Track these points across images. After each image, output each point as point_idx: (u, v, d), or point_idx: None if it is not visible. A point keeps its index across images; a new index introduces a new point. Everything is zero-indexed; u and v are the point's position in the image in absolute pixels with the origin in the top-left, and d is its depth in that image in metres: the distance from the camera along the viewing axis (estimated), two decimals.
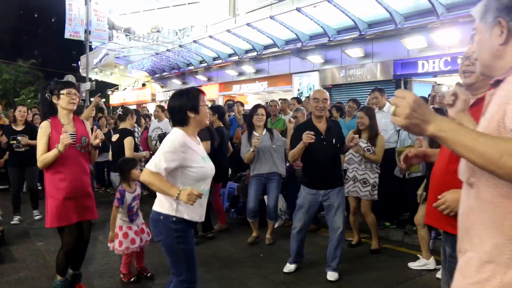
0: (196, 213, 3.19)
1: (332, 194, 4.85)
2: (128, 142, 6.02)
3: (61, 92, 4.07)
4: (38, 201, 7.78)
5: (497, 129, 1.41)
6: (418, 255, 5.43)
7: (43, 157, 3.95)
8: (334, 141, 4.81)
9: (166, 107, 11.34)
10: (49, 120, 4.08)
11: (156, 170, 3.01)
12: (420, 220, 5.06)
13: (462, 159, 1.55)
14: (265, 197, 6.50)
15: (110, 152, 6.41)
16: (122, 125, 6.32)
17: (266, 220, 6.37)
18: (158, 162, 3.02)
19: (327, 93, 5.06)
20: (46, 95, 4.11)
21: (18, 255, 5.81)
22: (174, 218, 3.10)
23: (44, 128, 4.02)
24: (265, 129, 6.18)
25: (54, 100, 4.10)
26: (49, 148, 3.98)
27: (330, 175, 4.84)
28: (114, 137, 6.27)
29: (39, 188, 7.97)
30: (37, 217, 7.70)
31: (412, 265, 5.33)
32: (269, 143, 6.06)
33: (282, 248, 6.06)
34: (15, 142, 7.38)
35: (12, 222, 7.41)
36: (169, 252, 3.17)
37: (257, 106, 6.30)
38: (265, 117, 6.18)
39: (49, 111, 4.13)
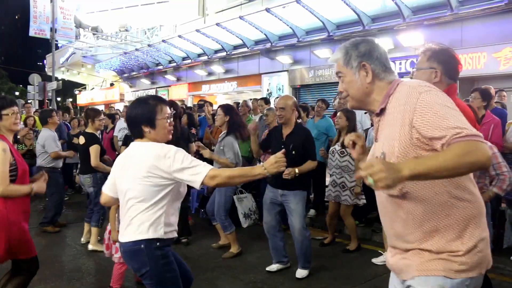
0: (175, 226, 2.86)
1: (289, 195, 4.91)
2: (94, 150, 5.89)
3: (3, 112, 3.43)
4: None
5: (410, 143, 1.77)
6: (380, 251, 5.59)
7: (14, 188, 3.33)
8: (291, 147, 4.80)
9: None
10: (3, 140, 3.42)
11: (209, 168, 2.64)
12: None
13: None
14: (234, 197, 6.50)
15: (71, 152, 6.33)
16: (87, 129, 6.22)
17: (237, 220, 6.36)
18: (199, 163, 2.65)
19: (289, 100, 5.02)
20: None
21: None
22: (157, 243, 2.70)
23: (7, 152, 3.34)
24: (224, 133, 5.85)
25: None
26: (14, 176, 3.39)
27: (284, 177, 4.73)
28: (80, 140, 6.12)
29: None
30: None
31: (376, 260, 5.47)
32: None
33: (252, 249, 6.09)
34: None
35: None
36: (157, 284, 2.74)
37: (218, 106, 6.21)
38: (220, 116, 5.81)
39: None
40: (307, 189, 5.31)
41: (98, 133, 6.54)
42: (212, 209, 5.98)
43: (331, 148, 6.10)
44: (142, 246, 2.66)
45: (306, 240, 5.01)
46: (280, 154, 2.67)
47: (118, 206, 4.29)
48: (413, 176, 1.60)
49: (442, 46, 2.71)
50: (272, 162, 2.65)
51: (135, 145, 2.81)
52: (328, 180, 6.03)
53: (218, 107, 5.99)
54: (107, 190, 2.97)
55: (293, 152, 4.76)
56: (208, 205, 6.18)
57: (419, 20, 10.45)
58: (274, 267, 5.22)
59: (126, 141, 7.56)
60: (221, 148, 5.63)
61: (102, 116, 6.41)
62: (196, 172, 2.60)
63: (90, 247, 6.00)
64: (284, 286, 4.85)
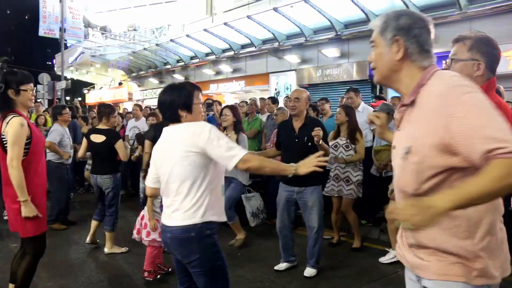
0: (223, 210, 2.85)
1: (306, 192, 4.89)
2: (121, 146, 5.73)
3: (22, 87, 3.55)
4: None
5: (438, 148, 1.62)
6: (387, 250, 5.59)
7: (21, 179, 3.39)
8: (305, 139, 4.79)
9: (143, 106, 11.30)
10: (20, 115, 3.52)
11: (246, 151, 2.63)
12: None
13: (403, 170, 1.78)
14: (242, 196, 6.52)
15: (82, 151, 6.06)
16: (101, 126, 5.92)
17: (246, 219, 6.39)
18: (235, 145, 2.66)
19: (304, 93, 5.01)
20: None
21: None
22: (207, 230, 2.66)
23: (25, 126, 3.46)
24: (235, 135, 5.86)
25: (11, 94, 3.52)
26: (28, 152, 3.51)
27: None
28: (99, 138, 5.80)
29: None
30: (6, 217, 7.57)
31: (383, 259, 5.47)
32: None
33: (261, 247, 6.10)
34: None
35: None
36: (207, 273, 2.67)
37: (224, 107, 6.22)
38: (230, 117, 5.87)
39: (3, 106, 3.56)
40: (322, 182, 5.27)
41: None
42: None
43: (334, 141, 6.05)
44: (193, 233, 2.63)
45: (321, 239, 5.02)
46: (318, 154, 2.71)
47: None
48: (453, 209, 1.52)
49: (481, 35, 2.48)
50: (306, 164, 2.69)
51: (172, 128, 2.81)
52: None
53: (225, 108, 5.98)
54: (152, 183, 2.93)
55: (309, 143, 4.72)
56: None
57: (413, 11, 10.40)
58: (282, 266, 5.22)
59: (138, 140, 7.57)
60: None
61: (116, 113, 6.30)
62: (233, 153, 2.59)
63: (106, 250, 5.83)
64: (291, 285, 4.85)
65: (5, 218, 7.50)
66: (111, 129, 5.96)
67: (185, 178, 2.64)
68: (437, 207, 1.50)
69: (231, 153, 2.58)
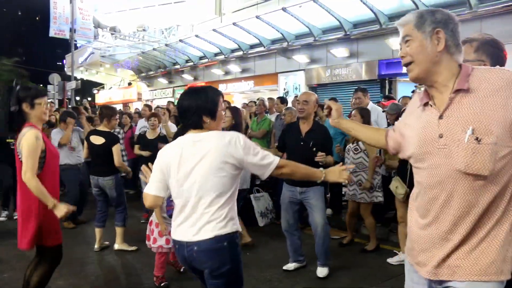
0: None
1: (309, 192, 4.91)
2: (117, 150, 5.79)
3: (36, 101, 3.58)
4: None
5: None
6: (395, 251, 5.58)
7: (40, 188, 3.40)
8: (311, 144, 4.84)
9: (152, 107, 11.34)
10: (35, 128, 3.56)
11: (278, 157, 2.62)
12: (404, 217, 5.22)
13: (475, 152, 1.75)
14: (251, 196, 6.53)
15: (85, 152, 6.16)
16: (101, 128, 6.01)
17: (255, 219, 6.39)
18: (267, 152, 2.62)
19: (313, 96, 5.05)
20: (14, 101, 3.57)
21: (3, 255, 5.78)
22: (237, 239, 2.60)
23: (40, 140, 3.49)
24: None
25: (26, 108, 3.56)
26: (43, 165, 3.53)
27: None
28: (98, 140, 5.89)
29: None
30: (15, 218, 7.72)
31: (391, 260, 5.46)
32: None
33: (269, 247, 6.11)
34: (12, 141, 7.48)
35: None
36: (232, 283, 2.62)
37: (226, 108, 6.19)
38: (228, 118, 5.82)
39: (19, 120, 3.59)
40: (324, 184, 5.29)
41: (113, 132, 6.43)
42: None
43: (347, 146, 6.10)
44: (226, 243, 2.52)
45: (327, 237, 5.03)
46: (344, 167, 2.70)
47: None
48: None
49: (488, 36, 2.53)
50: (336, 172, 2.67)
51: (196, 136, 2.62)
52: None
53: (226, 109, 5.95)
54: (154, 190, 2.67)
55: (314, 148, 4.77)
56: None
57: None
58: (291, 266, 5.23)
59: (139, 141, 7.61)
60: None
61: (118, 115, 6.37)
62: (269, 160, 2.57)
63: (117, 246, 5.97)
64: (300, 285, 4.85)
65: (15, 218, 7.67)
66: (111, 132, 6.03)
67: (221, 189, 2.53)
68: None
69: (267, 161, 2.57)
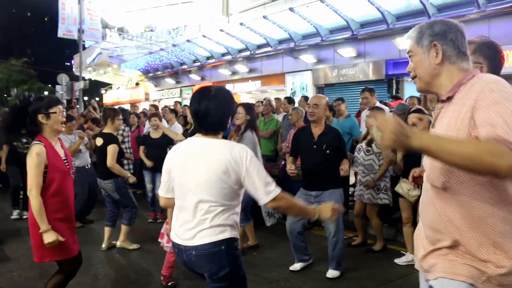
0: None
1: (324, 196, 4.84)
2: (111, 150, 5.74)
3: (51, 110, 3.48)
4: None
5: (468, 131, 1.67)
6: (403, 252, 5.56)
7: (40, 209, 3.34)
8: (324, 147, 4.85)
9: (159, 107, 11.38)
10: (41, 142, 3.44)
11: (280, 189, 2.53)
12: (410, 218, 5.27)
13: (432, 165, 1.83)
14: None
15: None
16: (105, 129, 6.05)
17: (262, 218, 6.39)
18: (271, 179, 2.55)
19: (323, 99, 5.02)
20: (29, 112, 3.47)
21: (11, 254, 5.83)
22: (235, 242, 2.59)
23: (41, 155, 3.37)
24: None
25: (42, 119, 3.46)
26: (45, 179, 3.42)
27: (319, 178, 4.86)
28: (98, 141, 5.93)
29: None
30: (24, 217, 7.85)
31: (399, 261, 5.45)
32: None
33: (276, 247, 6.11)
34: (19, 144, 7.60)
35: (12, 217, 7.80)
36: (235, 286, 2.63)
37: (238, 105, 6.18)
38: (242, 115, 5.77)
39: (31, 132, 3.51)
40: (342, 186, 5.20)
41: (117, 133, 6.42)
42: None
43: (358, 145, 6.09)
44: (223, 247, 2.50)
45: (341, 243, 4.98)
46: (337, 206, 2.69)
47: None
48: (422, 149, 1.59)
49: (485, 39, 2.55)
50: (328, 210, 2.63)
51: (206, 141, 2.59)
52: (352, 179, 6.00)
53: (239, 106, 5.91)
54: (165, 193, 2.71)
55: (327, 151, 4.81)
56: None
57: (444, 18, 10.28)
58: (297, 266, 5.22)
59: (144, 141, 7.61)
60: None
61: (121, 116, 6.31)
62: (270, 188, 2.50)
63: (118, 244, 6.04)
64: (307, 285, 4.85)
65: (25, 217, 7.74)
66: (110, 133, 5.98)
67: (221, 199, 2.51)
68: (411, 141, 1.58)
69: (268, 188, 2.50)
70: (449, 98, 1.83)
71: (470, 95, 1.72)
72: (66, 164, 3.58)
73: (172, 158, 2.67)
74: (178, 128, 8.14)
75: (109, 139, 5.86)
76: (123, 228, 6.04)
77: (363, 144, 5.96)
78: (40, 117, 3.46)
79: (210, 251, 2.50)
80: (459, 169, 1.65)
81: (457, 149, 1.53)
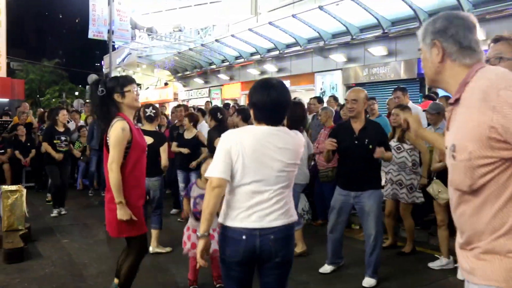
0: None
1: (363, 197, 4.69)
2: (165, 150, 5.79)
3: (126, 89, 3.65)
4: (65, 199, 8.24)
5: (485, 144, 1.60)
6: (436, 255, 5.42)
7: (118, 182, 3.49)
8: (366, 141, 4.65)
9: (188, 106, 11.40)
10: (124, 119, 3.61)
11: None
12: (445, 220, 5.11)
13: (456, 170, 1.75)
14: None
15: None
16: (149, 127, 5.88)
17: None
18: None
19: (362, 93, 4.80)
20: (100, 93, 3.61)
21: (44, 252, 5.90)
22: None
23: (126, 131, 3.54)
24: None
25: (118, 98, 3.63)
26: (126, 155, 3.59)
27: (360, 176, 4.66)
28: (147, 140, 5.86)
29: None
30: (62, 213, 8.11)
31: (432, 265, 5.30)
32: None
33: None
34: (58, 141, 7.80)
35: (52, 215, 7.94)
36: (289, 272, 2.85)
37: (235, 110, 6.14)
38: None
39: (111, 111, 3.65)
40: (382, 187, 5.06)
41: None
42: None
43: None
44: (293, 231, 2.73)
45: (379, 248, 4.78)
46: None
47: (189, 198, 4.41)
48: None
49: None
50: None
51: (277, 128, 2.65)
52: (383, 178, 5.85)
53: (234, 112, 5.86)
54: (223, 174, 2.55)
55: (370, 146, 4.63)
56: None
57: (481, 14, 9.94)
58: (327, 268, 5.11)
59: (177, 139, 7.60)
60: None
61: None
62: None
63: (151, 249, 5.75)
64: (336, 287, 4.76)
65: (62, 214, 7.90)
66: (158, 131, 6.00)
67: (289, 181, 2.69)
68: None
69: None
70: (457, 100, 1.78)
71: (476, 96, 1.65)
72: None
73: (245, 143, 2.58)
74: (204, 127, 8.11)
75: (160, 138, 5.88)
76: (155, 232, 5.90)
77: (391, 142, 5.80)
78: (116, 96, 3.64)
79: (286, 234, 2.63)
80: None
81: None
